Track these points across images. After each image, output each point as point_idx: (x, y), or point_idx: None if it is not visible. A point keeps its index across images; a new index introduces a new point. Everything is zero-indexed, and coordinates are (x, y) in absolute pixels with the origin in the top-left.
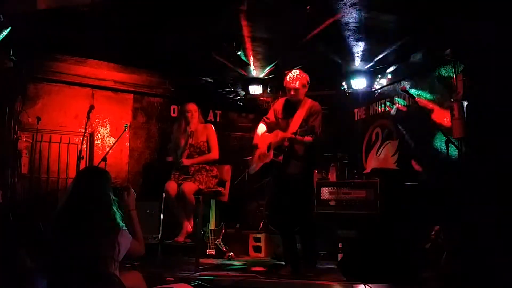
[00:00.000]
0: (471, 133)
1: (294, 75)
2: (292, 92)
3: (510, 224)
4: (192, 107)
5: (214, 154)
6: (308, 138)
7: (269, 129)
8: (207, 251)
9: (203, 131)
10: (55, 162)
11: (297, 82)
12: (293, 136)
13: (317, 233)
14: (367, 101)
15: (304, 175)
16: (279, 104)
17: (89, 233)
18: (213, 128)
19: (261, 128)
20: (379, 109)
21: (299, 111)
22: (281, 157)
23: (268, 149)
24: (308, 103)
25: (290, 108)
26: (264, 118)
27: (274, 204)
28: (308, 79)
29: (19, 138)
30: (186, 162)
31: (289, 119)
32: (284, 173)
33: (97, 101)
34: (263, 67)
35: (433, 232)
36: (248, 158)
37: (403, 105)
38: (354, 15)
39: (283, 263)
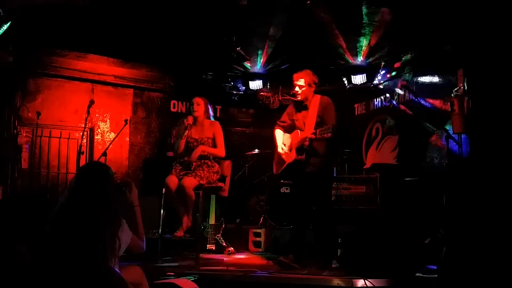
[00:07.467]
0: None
1: (301, 72)
2: (295, 88)
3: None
4: (198, 99)
5: (221, 151)
6: (328, 135)
7: (286, 132)
8: (207, 246)
9: (209, 128)
10: (55, 157)
11: (302, 80)
12: (313, 136)
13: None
14: (367, 96)
15: (323, 172)
16: (291, 107)
17: (90, 228)
18: (220, 126)
19: (278, 133)
20: (379, 104)
21: (311, 108)
22: (303, 156)
23: (290, 149)
24: (318, 98)
25: (303, 108)
26: (278, 122)
27: (291, 201)
28: (315, 79)
29: (19, 133)
30: (193, 156)
31: (304, 119)
32: (305, 172)
33: (97, 96)
34: (264, 62)
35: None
36: (248, 153)
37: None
38: (354, 9)
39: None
